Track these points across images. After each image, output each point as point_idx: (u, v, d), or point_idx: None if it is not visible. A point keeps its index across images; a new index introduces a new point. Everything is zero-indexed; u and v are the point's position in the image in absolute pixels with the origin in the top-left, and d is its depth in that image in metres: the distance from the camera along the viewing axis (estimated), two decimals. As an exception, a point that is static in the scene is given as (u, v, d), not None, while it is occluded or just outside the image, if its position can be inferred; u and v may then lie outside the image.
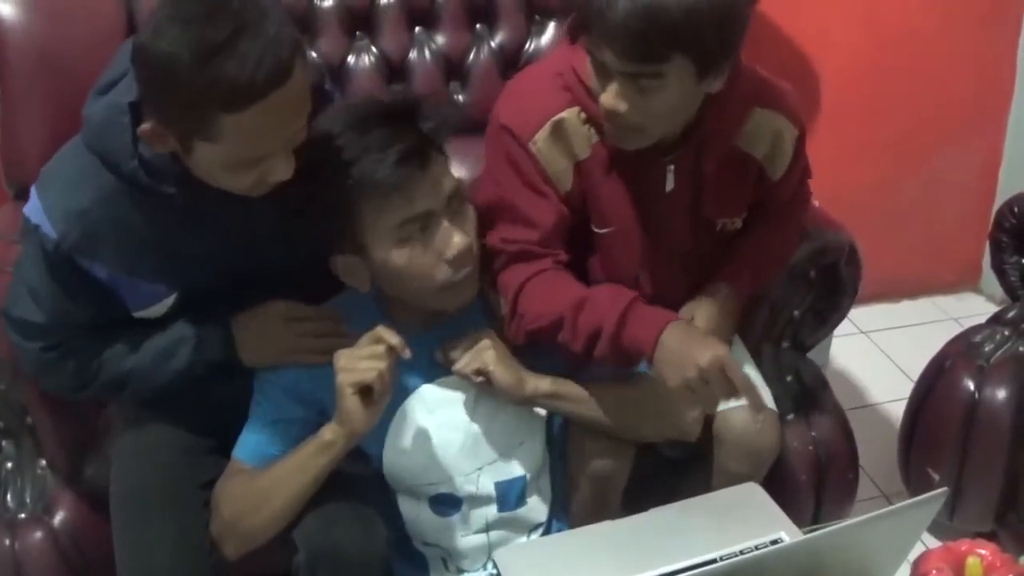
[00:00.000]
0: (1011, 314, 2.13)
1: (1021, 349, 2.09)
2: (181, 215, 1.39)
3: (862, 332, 2.96)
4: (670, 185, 1.56)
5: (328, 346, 1.42)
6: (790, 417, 1.90)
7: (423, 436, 1.51)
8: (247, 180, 1.33)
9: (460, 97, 2.13)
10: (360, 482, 1.51)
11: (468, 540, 1.55)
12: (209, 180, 1.35)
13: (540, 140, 1.50)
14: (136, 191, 1.36)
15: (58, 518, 1.73)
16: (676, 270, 1.65)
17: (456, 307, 1.49)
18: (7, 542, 1.70)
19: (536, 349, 1.54)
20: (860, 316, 2.93)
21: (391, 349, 1.36)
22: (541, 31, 2.16)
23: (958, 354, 2.14)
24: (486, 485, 1.53)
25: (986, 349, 2.11)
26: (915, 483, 2.19)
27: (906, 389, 2.27)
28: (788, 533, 1.39)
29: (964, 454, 2.08)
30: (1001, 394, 2.05)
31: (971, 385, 2.08)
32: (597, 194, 1.56)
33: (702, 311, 1.62)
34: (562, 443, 1.61)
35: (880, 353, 2.89)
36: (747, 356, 1.77)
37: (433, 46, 2.12)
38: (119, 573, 1.51)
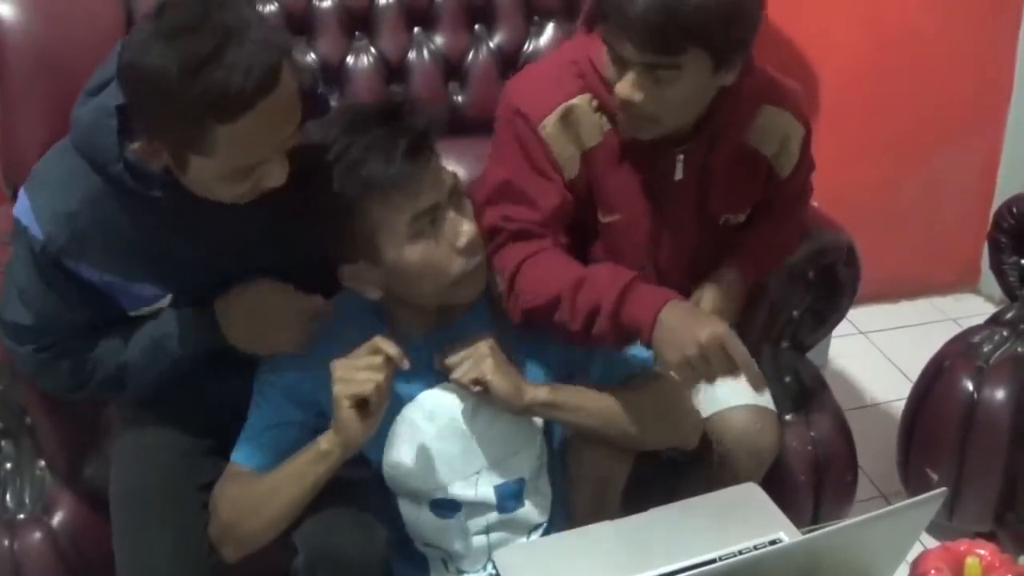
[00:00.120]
0: (1010, 314, 2.13)
1: (1020, 350, 2.09)
2: (170, 218, 1.39)
3: (861, 332, 2.97)
4: (679, 175, 1.58)
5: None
6: (789, 417, 1.91)
7: (423, 443, 1.51)
8: (242, 189, 1.33)
9: (459, 98, 2.14)
10: (360, 484, 1.50)
11: (468, 541, 1.55)
12: (204, 193, 1.34)
13: (550, 125, 1.53)
14: (123, 194, 1.36)
15: (57, 518, 1.73)
16: (679, 263, 1.66)
17: (468, 300, 1.49)
18: (6, 542, 1.70)
19: (535, 347, 1.54)
20: (859, 316, 2.93)
21: (389, 360, 1.36)
22: (540, 32, 2.16)
23: (957, 354, 2.14)
24: (485, 489, 1.53)
25: (985, 349, 2.11)
26: (914, 483, 2.19)
27: (905, 389, 2.27)
28: (787, 533, 1.39)
29: (963, 454, 2.08)
30: (1000, 394, 2.06)
31: (970, 385, 2.08)
32: (605, 182, 1.57)
33: (707, 295, 1.64)
34: (562, 444, 1.61)
35: (879, 353, 2.89)
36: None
37: (432, 47, 2.12)
38: (118, 574, 1.51)
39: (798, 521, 1.46)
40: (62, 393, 1.54)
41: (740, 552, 1.33)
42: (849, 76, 2.74)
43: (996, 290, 2.42)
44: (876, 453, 2.31)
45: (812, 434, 1.92)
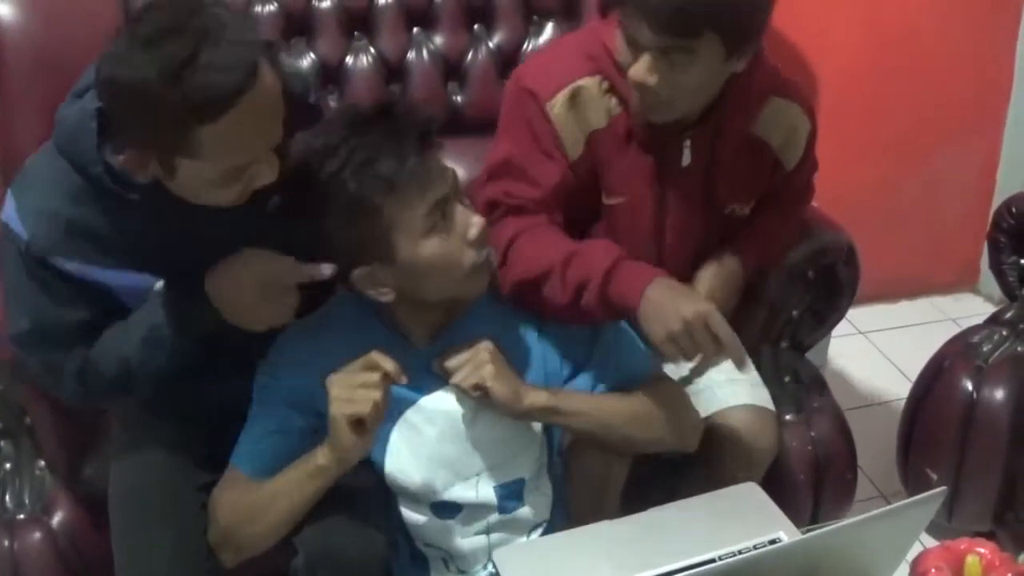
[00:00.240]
0: (1009, 314, 2.13)
1: (1019, 349, 2.09)
2: (154, 220, 1.39)
3: (860, 332, 2.97)
4: (687, 160, 1.60)
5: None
6: (789, 417, 1.91)
7: (423, 447, 1.50)
8: (234, 192, 1.33)
9: (458, 98, 2.14)
10: (361, 486, 1.50)
11: (469, 542, 1.55)
12: (195, 200, 1.34)
13: (558, 105, 1.56)
14: (105, 195, 1.36)
15: (56, 519, 1.73)
16: (684, 252, 1.67)
17: (476, 294, 1.48)
18: (5, 543, 1.70)
19: (535, 344, 1.54)
20: (858, 316, 2.94)
21: (386, 375, 1.35)
22: (539, 32, 2.16)
23: (956, 354, 2.14)
24: (486, 491, 1.53)
25: (984, 349, 2.11)
26: (913, 483, 2.19)
27: (904, 389, 2.27)
28: (787, 533, 1.39)
29: (962, 454, 2.08)
30: (999, 394, 2.06)
31: (969, 385, 2.08)
32: (610, 164, 1.60)
33: (704, 277, 1.67)
34: (561, 444, 1.61)
35: (878, 353, 2.89)
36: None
37: (431, 47, 2.12)
38: (118, 575, 1.50)
39: (798, 521, 1.46)
40: (76, 401, 1.53)
41: (740, 552, 1.33)
42: (849, 76, 2.74)
43: (996, 290, 2.42)
44: (876, 453, 2.31)
45: (812, 434, 1.92)
